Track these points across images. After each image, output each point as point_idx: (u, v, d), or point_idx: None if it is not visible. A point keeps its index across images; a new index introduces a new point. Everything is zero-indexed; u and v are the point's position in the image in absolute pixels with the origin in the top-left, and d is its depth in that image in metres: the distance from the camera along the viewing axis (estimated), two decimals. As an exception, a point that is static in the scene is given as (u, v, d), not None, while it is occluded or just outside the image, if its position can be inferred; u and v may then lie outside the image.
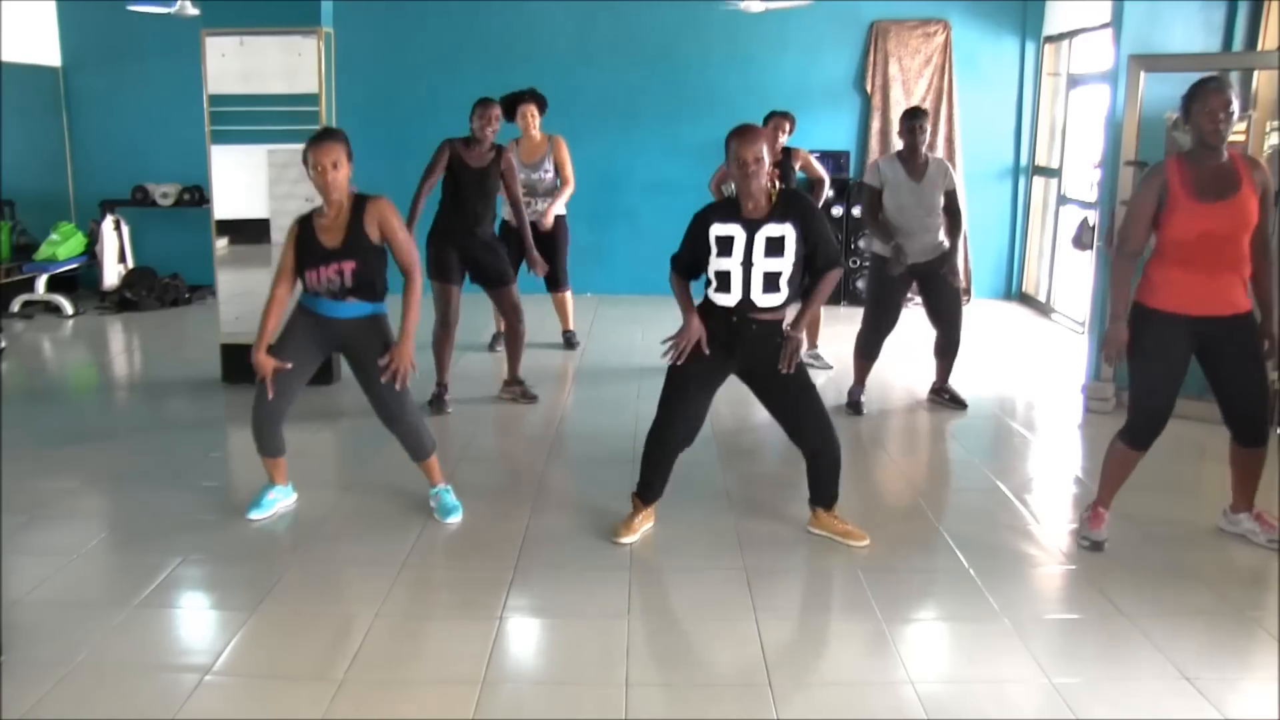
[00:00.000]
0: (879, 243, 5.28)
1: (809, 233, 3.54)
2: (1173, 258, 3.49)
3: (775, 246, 3.51)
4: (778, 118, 5.89)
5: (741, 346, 3.61)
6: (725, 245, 3.53)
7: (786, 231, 3.52)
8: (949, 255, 5.29)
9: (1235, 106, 3.40)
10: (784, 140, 5.88)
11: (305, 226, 3.71)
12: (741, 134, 3.52)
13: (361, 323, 3.76)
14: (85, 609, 3.16)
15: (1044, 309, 8.34)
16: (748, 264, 3.51)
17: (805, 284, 3.67)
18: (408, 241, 3.78)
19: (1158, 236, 3.53)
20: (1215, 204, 3.41)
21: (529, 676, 2.96)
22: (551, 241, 6.39)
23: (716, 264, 3.55)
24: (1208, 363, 3.61)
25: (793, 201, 3.59)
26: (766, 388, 3.70)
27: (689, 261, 3.66)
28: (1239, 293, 3.53)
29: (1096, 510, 3.74)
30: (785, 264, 3.53)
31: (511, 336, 5.53)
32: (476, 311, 5.78)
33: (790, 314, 3.66)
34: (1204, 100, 3.39)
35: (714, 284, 3.58)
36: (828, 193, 6.32)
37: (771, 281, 3.53)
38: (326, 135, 3.67)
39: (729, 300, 3.56)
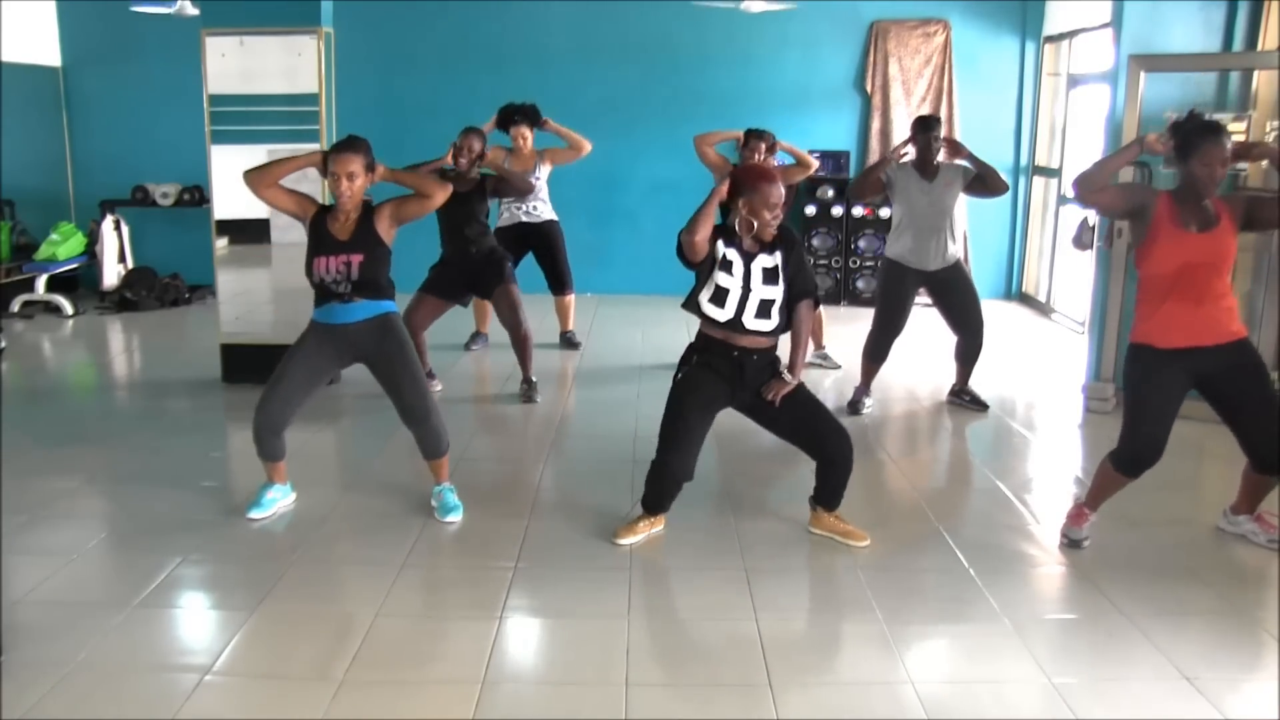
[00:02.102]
0: (893, 242, 5.27)
1: (789, 260, 3.66)
2: (1157, 292, 3.47)
3: (771, 275, 3.63)
4: (754, 140, 5.59)
5: (742, 379, 3.66)
6: (727, 265, 3.62)
7: (778, 261, 3.64)
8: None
9: (1229, 161, 3.39)
10: (761, 158, 5.56)
11: (321, 216, 3.77)
12: (770, 178, 3.60)
13: (374, 324, 3.79)
14: (85, 609, 3.16)
15: (1044, 309, 8.34)
16: (746, 288, 3.60)
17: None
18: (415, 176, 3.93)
19: (1140, 272, 3.54)
20: (1197, 235, 3.40)
21: (529, 676, 2.96)
22: (549, 244, 6.44)
23: (719, 277, 3.61)
24: (1213, 394, 3.54)
25: (780, 234, 3.67)
26: (773, 414, 3.71)
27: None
28: (1231, 319, 3.50)
29: (1081, 510, 3.74)
30: (780, 292, 3.64)
31: (514, 342, 5.56)
32: (457, 312, 5.82)
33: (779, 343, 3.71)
34: (1205, 153, 3.35)
35: (711, 293, 3.63)
36: (815, 169, 5.95)
37: (765, 308, 3.62)
38: (347, 145, 3.70)
39: (721, 315, 3.62)
